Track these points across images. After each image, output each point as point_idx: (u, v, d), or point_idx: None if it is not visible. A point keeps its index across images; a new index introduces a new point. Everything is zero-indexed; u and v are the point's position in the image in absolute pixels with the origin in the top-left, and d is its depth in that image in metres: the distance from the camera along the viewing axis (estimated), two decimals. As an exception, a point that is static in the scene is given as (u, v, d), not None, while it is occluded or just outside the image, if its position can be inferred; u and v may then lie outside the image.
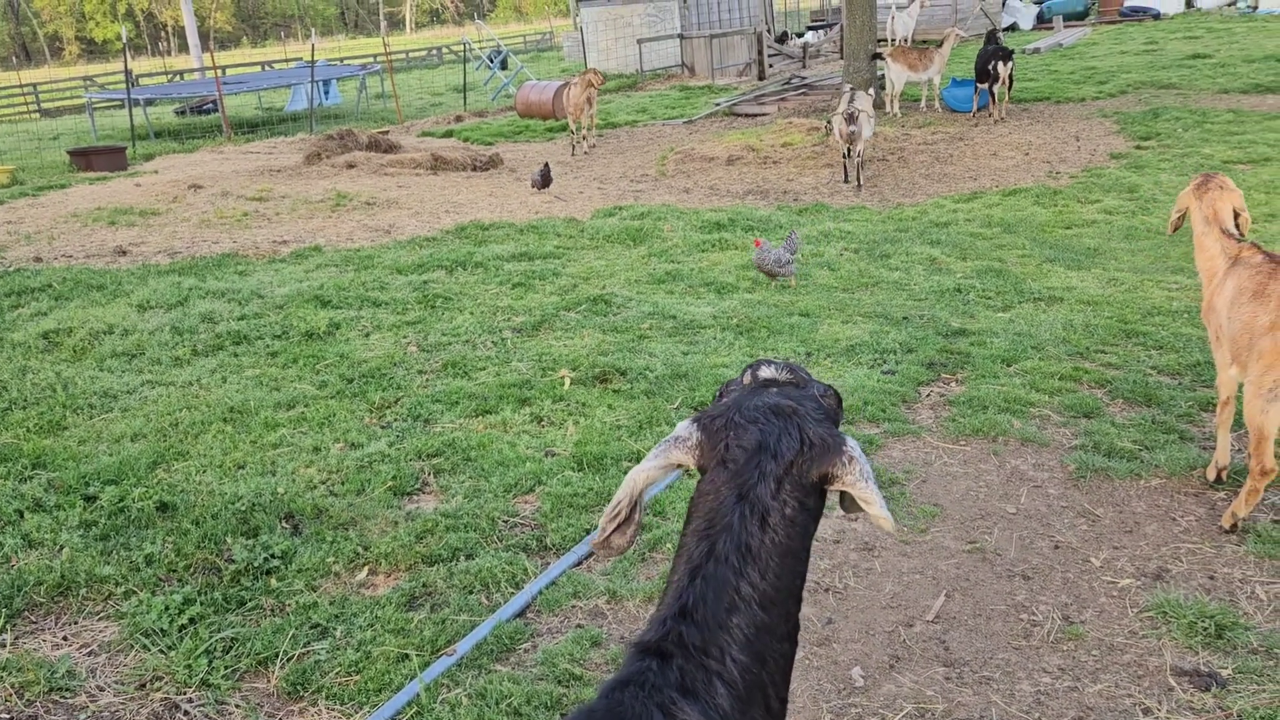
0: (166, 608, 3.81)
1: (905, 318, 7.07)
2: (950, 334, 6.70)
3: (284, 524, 4.48)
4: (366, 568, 4.16)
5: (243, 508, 4.52)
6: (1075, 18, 30.13)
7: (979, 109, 16.33)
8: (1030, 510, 4.48)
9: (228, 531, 4.36)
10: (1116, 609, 3.71)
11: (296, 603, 3.92)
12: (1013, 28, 29.68)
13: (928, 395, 5.76)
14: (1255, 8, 27.21)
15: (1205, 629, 3.47)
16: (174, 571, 4.13)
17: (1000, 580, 3.97)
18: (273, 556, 4.18)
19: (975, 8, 28.63)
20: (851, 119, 11.94)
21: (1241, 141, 12.89)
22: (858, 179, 12.48)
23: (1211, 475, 4.54)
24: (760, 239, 7.82)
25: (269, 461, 5.10)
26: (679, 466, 1.71)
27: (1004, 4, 30.57)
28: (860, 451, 1.64)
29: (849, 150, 12.43)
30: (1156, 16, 28.57)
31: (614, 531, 1.69)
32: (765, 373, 1.82)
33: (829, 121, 12.66)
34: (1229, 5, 28.92)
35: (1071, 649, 3.51)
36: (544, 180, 12.59)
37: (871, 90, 15.97)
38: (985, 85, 15.68)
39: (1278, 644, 3.37)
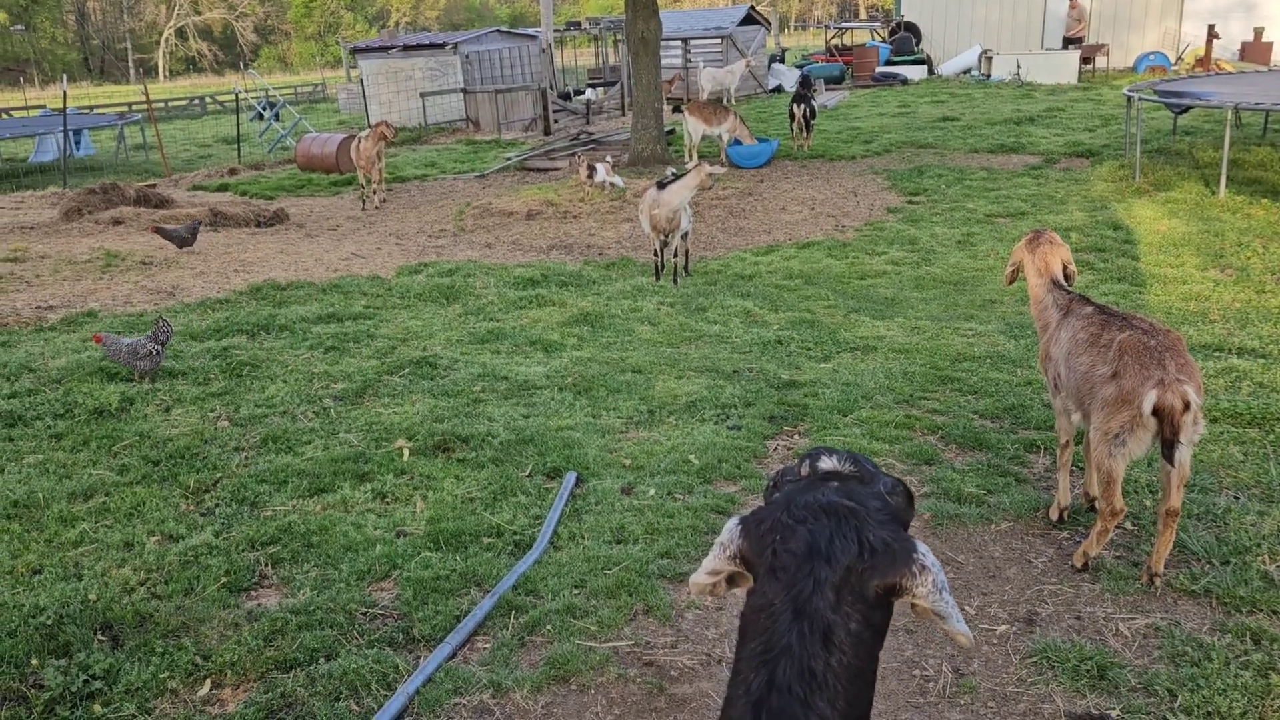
0: (-35, 754, 3.20)
1: (735, 371, 7.14)
2: (782, 386, 6.80)
3: (101, 637, 3.89)
4: (209, 681, 3.66)
5: (48, 621, 3.90)
6: (834, 81, 32.27)
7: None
8: (895, 561, 4.53)
9: (32, 651, 3.74)
10: (1000, 657, 3.79)
11: (129, 731, 3.39)
12: (778, 89, 31.45)
13: (775, 449, 5.80)
14: (988, 76, 30.09)
15: (1088, 671, 3.59)
16: (-33, 706, 3.49)
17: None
18: (93, 677, 3.60)
19: (744, 69, 30.15)
20: (661, 186, 9.54)
21: (998, 197, 14.04)
22: (674, 278, 10.09)
23: (1054, 516, 4.78)
24: (100, 334, 6.77)
25: (71, 563, 4.45)
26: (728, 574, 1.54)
27: (770, 68, 32.39)
28: (933, 559, 1.48)
29: (665, 242, 9.98)
30: (905, 82, 31.00)
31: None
32: (825, 464, 1.65)
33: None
34: (965, 73, 31.84)
35: (969, 703, 3.54)
36: (190, 237, 11.65)
37: (609, 157, 16.28)
38: (791, 125, 18.73)
39: (1154, 680, 3.53)
